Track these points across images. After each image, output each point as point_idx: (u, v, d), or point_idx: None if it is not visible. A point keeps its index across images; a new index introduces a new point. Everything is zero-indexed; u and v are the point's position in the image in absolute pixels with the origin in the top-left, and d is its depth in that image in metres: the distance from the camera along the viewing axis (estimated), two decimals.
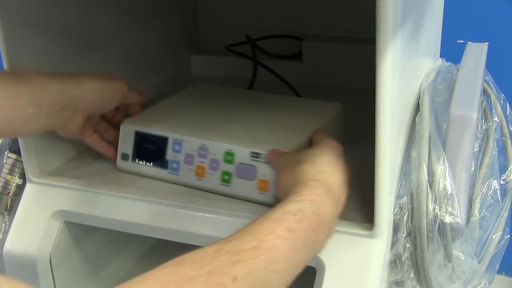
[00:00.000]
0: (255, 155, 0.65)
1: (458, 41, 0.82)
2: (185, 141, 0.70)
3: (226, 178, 0.67)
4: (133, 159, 0.73)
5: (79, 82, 0.66)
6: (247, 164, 0.66)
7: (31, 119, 0.62)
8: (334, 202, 0.53)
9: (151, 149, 0.72)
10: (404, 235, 0.61)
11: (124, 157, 0.73)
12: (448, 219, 0.59)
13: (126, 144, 0.73)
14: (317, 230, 0.50)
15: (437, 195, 0.59)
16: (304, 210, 0.50)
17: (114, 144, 0.75)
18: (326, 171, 0.55)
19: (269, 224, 0.48)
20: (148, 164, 0.72)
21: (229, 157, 0.67)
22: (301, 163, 0.57)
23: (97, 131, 0.73)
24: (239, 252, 0.45)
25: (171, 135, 0.70)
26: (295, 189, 0.53)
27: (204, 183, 0.69)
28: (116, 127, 0.75)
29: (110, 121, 0.76)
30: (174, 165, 0.70)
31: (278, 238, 0.47)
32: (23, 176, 0.78)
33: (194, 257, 0.44)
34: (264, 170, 0.65)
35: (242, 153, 0.66)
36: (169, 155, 0.70)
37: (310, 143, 0.69)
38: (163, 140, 0.71)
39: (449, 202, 0.59)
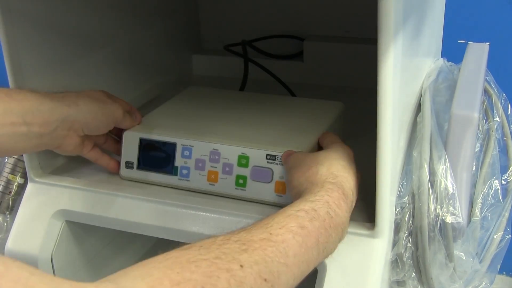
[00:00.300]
0: (271, 158, 0.65)
1: (459, 41, 0.82)
2: (195, 146, 0.68)
3: (240, 182, 0.67)
4: (139, 167, 0.71)
5: (74, 103, 0.65)
6: (263, 167, 0.66)
7: (22, 138, 0.60)
8: (348, 207, 0.54)
9: (158, 156, 0.70)
10: (405, 235, 0.61)
11: (129, 165, 0.72)
12: (449, 219, 0.59)
13: (130, 152, 0.71)
14: (329, 231, 0.50)
15: (438, 195, 0.59)
16: (318, 209, 0.50)
17: (116, 153, 0.73)
18: (341, 176, 0.56)
19: (281, 219, 0.48)
20: (155, 171, 0.71)
21: (243, 160, 0.66)
22: (317, 164, 0.57)
23: (96, 144, 0.71)
24: (248, 242, 0.45)
25: (180, 141, 0.69)
26: (310, 190, 0.54)
27: (217, 188, 0.68)
28: (116, 136, 0.74)
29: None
30: (184, 171, 0.69)
31: (289, 232, 0.47)
32: (24, 176, 0.78)
33: (202, 244, 0.44)
34: (281, 172, 0.65)
35: (257, 156, 0.66)
36: (178, 161, 0.69)
37: (318, 144, 0.69)
38: (171, 146, 0.70)
39: (451, 202, 0.59)
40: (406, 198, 0.61)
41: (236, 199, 0.67)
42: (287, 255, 0.46)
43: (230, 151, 0.67)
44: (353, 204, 0.56)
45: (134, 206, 0.69)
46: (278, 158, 0.65)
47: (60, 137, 0.64)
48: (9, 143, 0.60)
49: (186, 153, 0.69)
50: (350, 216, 0.55)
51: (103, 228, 0.72)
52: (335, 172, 0.56)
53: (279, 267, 0.45)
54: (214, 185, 0.68)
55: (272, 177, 0.65)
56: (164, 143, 0.70)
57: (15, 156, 0.78)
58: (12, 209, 0.80)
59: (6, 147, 0.60)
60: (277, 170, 0.65)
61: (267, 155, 0.65)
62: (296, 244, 0.47)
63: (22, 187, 0.78)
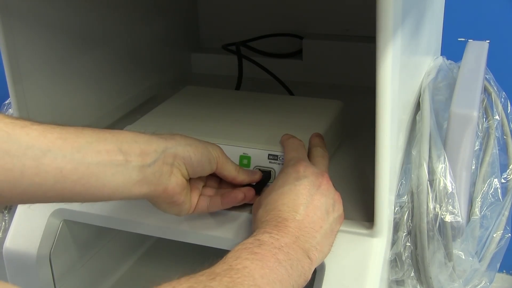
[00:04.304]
0: (273, 157, 0.65)
1: (459, 39, 0.82)
2: None
3: None
4: None
5: (170, 136, 0.59)
6: (264, 167, 0.65)
7: (119, 170, 0.52)
8: (288, 231, 0.53)
9: None
10: (404, 234, 0.61)
11: None
12: (448, 218, 0.59)
13: None
14: (284, 249, 0.51)
15: (437, 194, 0.59)
16: (260, 238, 0.51)
17: (221, 208, 0.64)
18: (275, 208, 0.55)
19: (233, 254, 0.49)
20: None
21: (245, 160, 0.66)
22: (258, 207, 0.58)
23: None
24: (214, 273, 0.46)
25: None
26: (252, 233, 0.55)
27: None
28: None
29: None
30: None
31: (246, 260, 0.48)
32: None
33: (170, 282, 0.44)
34: None
35: (259, 155, 0.65)
36: None
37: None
38: None
39: (450, 201, 0.59)
40: (405, 197, 0.61)
41: None
42: (254, 277, 0.47)
43: (231, 151, 0.66)
44: (296, 223, 0.54)
45: (133, 205, 0.69)
46: (280, 158, 0.65)
47: (164, 174, 0.56)
48: (105, 175, 0.52)
49: None
50: (300, 233, 0.54)
51: (101, 227, 0.72)
52: (270, 207, 0.56)
53: None
54: None
55: (274, 177, 0.65)
56: None
57: None
58: (11, 208, 0.80)
59: (103, 182, 0.52)
60: (279, 170, 0.64)
61: (269, 155, 0.65)
62: (258, 267, 0.48)
63: None
